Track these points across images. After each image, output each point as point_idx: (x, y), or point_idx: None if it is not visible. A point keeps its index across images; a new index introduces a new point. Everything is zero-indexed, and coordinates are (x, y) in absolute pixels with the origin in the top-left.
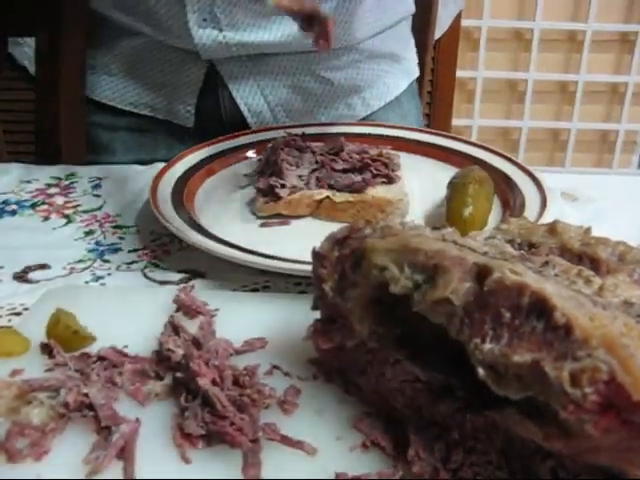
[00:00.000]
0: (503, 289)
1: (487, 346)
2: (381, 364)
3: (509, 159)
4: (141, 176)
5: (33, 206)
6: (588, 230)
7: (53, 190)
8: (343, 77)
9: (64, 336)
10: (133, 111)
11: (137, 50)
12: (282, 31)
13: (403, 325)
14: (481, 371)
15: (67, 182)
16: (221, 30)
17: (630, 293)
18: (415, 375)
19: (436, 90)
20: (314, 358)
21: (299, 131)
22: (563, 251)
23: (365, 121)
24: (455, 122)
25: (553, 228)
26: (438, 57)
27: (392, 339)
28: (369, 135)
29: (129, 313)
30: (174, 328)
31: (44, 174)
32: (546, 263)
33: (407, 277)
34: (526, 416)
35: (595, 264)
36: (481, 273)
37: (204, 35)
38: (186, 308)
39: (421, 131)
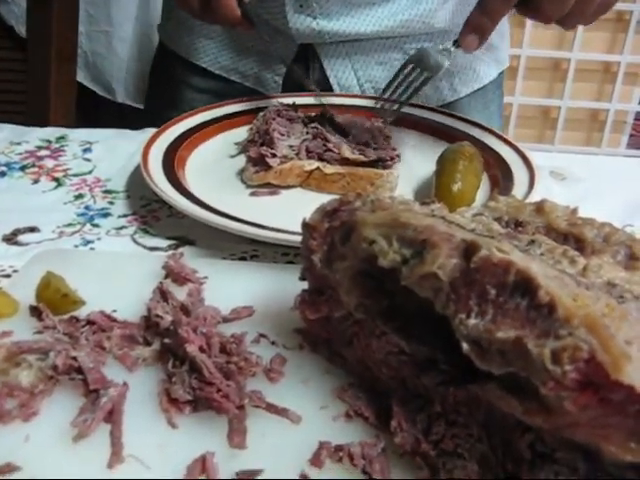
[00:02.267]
0: (489, 266)
1: (472, 321)
2: (367, 336)
3: (499, 136)
4: (132, 141)
5: (23, 168)
6: (575, 210)
7: (43, 152)
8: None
9: (53, 299)
10: (223, 75)
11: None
12: (375, 21)
13: (390, 298)
14: (465, 346)
15: (57, 145)
16: (315, 18)
17: (613, 274)
18: (400, 347)
19: None
20: (300, 328)
21: (290, 101)
22: (549, 230)
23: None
24: None
25: (540, 207)
26: None
27: (379, 311)
28: (360, 107)
29: (118, 278)
30: (163, 294)
31: (34, 136)
32: (532, 242)
33: (395, 251)
34: (507, 391)
35: (580, 244)
36: (468, 250)
37: (298, 21)
38: (175, 275)
39: (412, 105)
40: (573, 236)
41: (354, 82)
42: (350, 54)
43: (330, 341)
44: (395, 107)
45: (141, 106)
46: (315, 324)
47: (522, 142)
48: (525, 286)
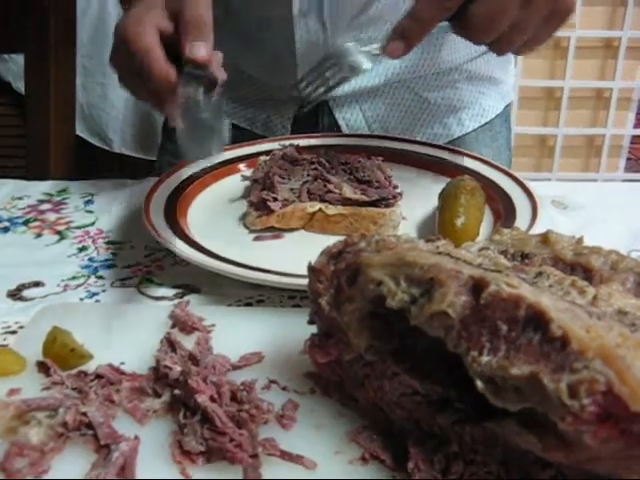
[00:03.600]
0: (499, 302)
1: (485, 358)
2: (379, 377)
3: (499, 168)
4: (133, 190)
5: (26, 223)
6: (580, 240)
7: (45, 206)
8: (441, 97)
9: (61, 354)
10: (232, 122)
11: (240, 76)
12: (382, 73)
13: (400, 338)
14: (479, 383)
15: (59, 198)
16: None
17: (624, 302)
18: (413, 388)
19: None
20: (311, 372)
21: (286, 143)
22: (556, 261)
23: (359, 132)
24: None
25: (546, 238)
26: None
27: (390, 352)
28: (359, 147)
29: (125, 330)
30: (171, 344)
31: (35, 190)
32: (540, 274)
33: (404, 291)
34: (525, 427)
35: (588, 274)
36: (477, 286)
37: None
38: (182, 324)
39: (411, 142)
40: (580, 266)
41: (363, 124)
42: (359, 101)
43: (342, 384)
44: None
45: (138, 154)
46: (326, 367)
47: (521, 171)
48: (537, 320)
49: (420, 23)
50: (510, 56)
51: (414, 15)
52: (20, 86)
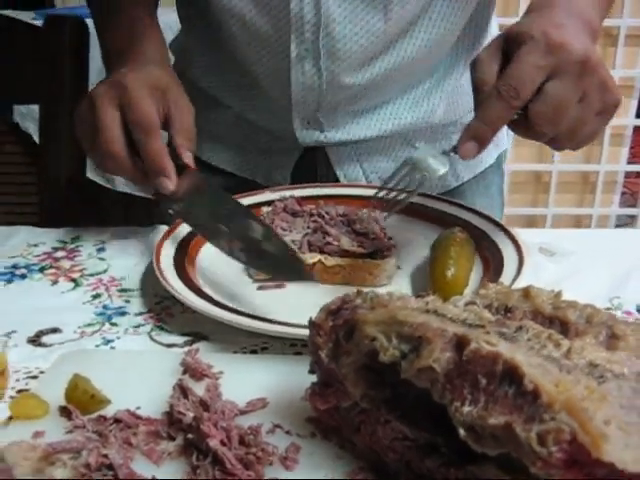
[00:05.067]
0: (479, 358)
1: (466, 409)
2: (373, 423)
3: (490, 219)
4: (143, 238)
5: (42, 270)
6: (559, 294)
7: (60, 254)
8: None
9: (82, 400)
10: (234, 172)
11: (239, 126)
12: (379, 125)
13: (392, 389)
14: (462, 431)
15: (72, 245)
16: (322, 131)
17: (595, 355)
18: (404, 433)
19: None
20: (312, 417)
21: (291, 193)
22: (536, 314)
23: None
24: None
25: (527, 293)
26: None
27: (383, 401)
28: (352, 196)
29: (140, 376)
30: (183, 391)
31: (50, 237)
32: (520, 328)
33: (395, 347)
34: (502, 470)
35: (565, 326)
36: (460, 343)
37: (307, 136)
38: (193, 371)
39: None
40: (558, 319)
41: (360, 174)
42: (357, 152)
43: (340, 429)
44: (391, 206)
45: (141, 193)
46: (325, 414)
47: (516, 207)
48: (512, 375)
49: (490, 125)
50: None
51: (484, 118)
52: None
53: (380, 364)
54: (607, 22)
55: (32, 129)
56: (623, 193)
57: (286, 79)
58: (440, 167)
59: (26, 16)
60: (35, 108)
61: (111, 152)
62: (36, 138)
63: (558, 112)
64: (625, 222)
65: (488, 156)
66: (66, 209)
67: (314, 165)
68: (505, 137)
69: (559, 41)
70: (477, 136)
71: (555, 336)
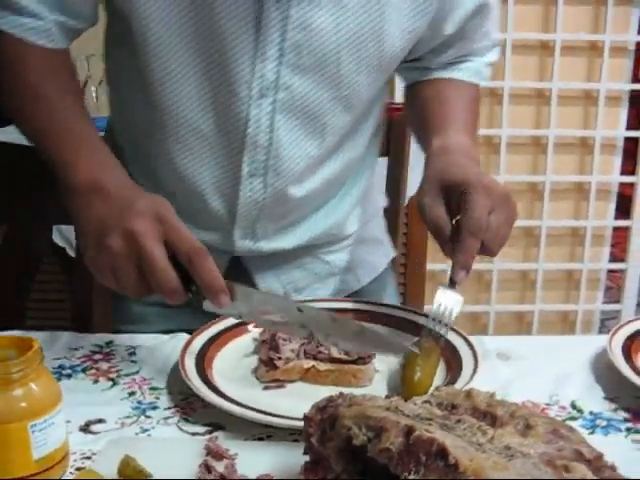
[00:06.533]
0: (421, 442)
1: (411, 477)
2: None
3: (455, 330)
4: (167, 344)
5: (84, 370)
6: (493, 395)
7: (97, 357)
8: (339, 258)
9: (131, 474)
10: None
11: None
12: (298, 237)
13: (363, 464)
14: None
15: (108, 349)
16: (256, 242)
17: (511, 440)
18: None
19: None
20: None
21: None
22: (474, 410)
23: (338, 297)
24: (430, 266)
25: (469, 393)
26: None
27: (357, 473)
28: (348, 310)
29: (172, 457)
30: (207, 468)
31: (87, 342)
32: (459, 420)
33: (364, 434)
34: None
35: (494, 419)
36: (409, 431)
37: (243, 245)
38: (214, 453)
39: (381, 305)
40: (490, 414)
41: (278, 285)
42: (274, 264)
43: None
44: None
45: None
46: None
47: (510, 261)
48: (442, 453)
49: (470, 256)
50: (384, 222)
51: (466, 252)
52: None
53: (354, 447)
54: (578, 179)
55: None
56: (613, 245)
57: (233, 193)
58: (458, 297)
59: None
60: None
61: (170, 290)
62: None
63: (498, 233)
64: (612, 316)
65: (380, 261)
66: (95, 319)
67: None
68: (392, 247)
69: (489, 185)
70: (465, 266)
71: (484, 427)
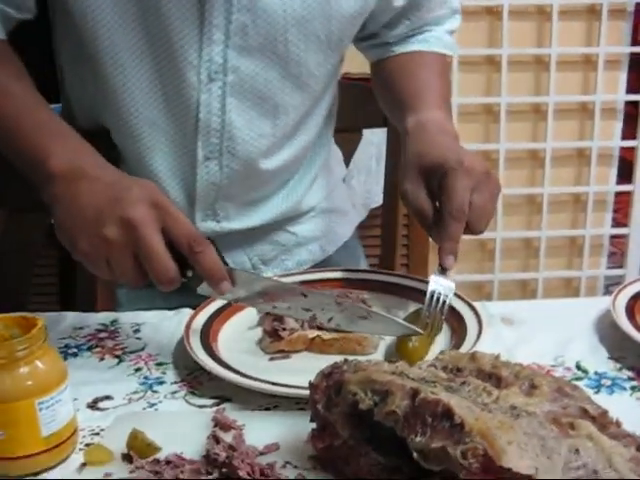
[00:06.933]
0: (427, 404)
1: (418, 439)
2: (357, 456)
3: (459, 296)
4: (171, 321)
5: (89, 349)
6: (498, 356)
7: (102, 335)
8: (305, 229)
9: (140, 447)
10: None
11: None
12: (261, 216)
13: (369, 429)
14: (415, 455)
15: (112, 328)
16: (218, 222)
17: (516, 400)
18: (378, 461)
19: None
20: (313, 455)
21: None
22: (479, 372)
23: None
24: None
25: (473, 356)
26: None
27: (363, 438)
28: (337, 280)
29: (180, 430)
30: (215, 439)
31: (92, 321)
32: (464, 382)
33: (369, 398)
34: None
35: (499, 380)
36: (414, 394)
37: (205, 226)
38: (222, 425)
39: (382, 273)
40: (495, 375)
41: (245, 258)
42: (241, 239)
43: (334, 462)
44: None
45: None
46: (323, 451)
47: (509, 272)
48: (447, 414)
49: (456, 240)
50: (346, 192)
51: (451, 237)
52: None
53: (360, 411)
54: (575, 189)
55: None
56: (612, 253)
57: (190, 177)
58: (450, 284)
59: None
60: None
61: (168, 280)
62: None
63: (482, 212)
64: (616, 282)
65: (344, 231)
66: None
67: None
68: (355, 214)
69: (469, 165)
70: (452, 251)
71: (489, 388)
